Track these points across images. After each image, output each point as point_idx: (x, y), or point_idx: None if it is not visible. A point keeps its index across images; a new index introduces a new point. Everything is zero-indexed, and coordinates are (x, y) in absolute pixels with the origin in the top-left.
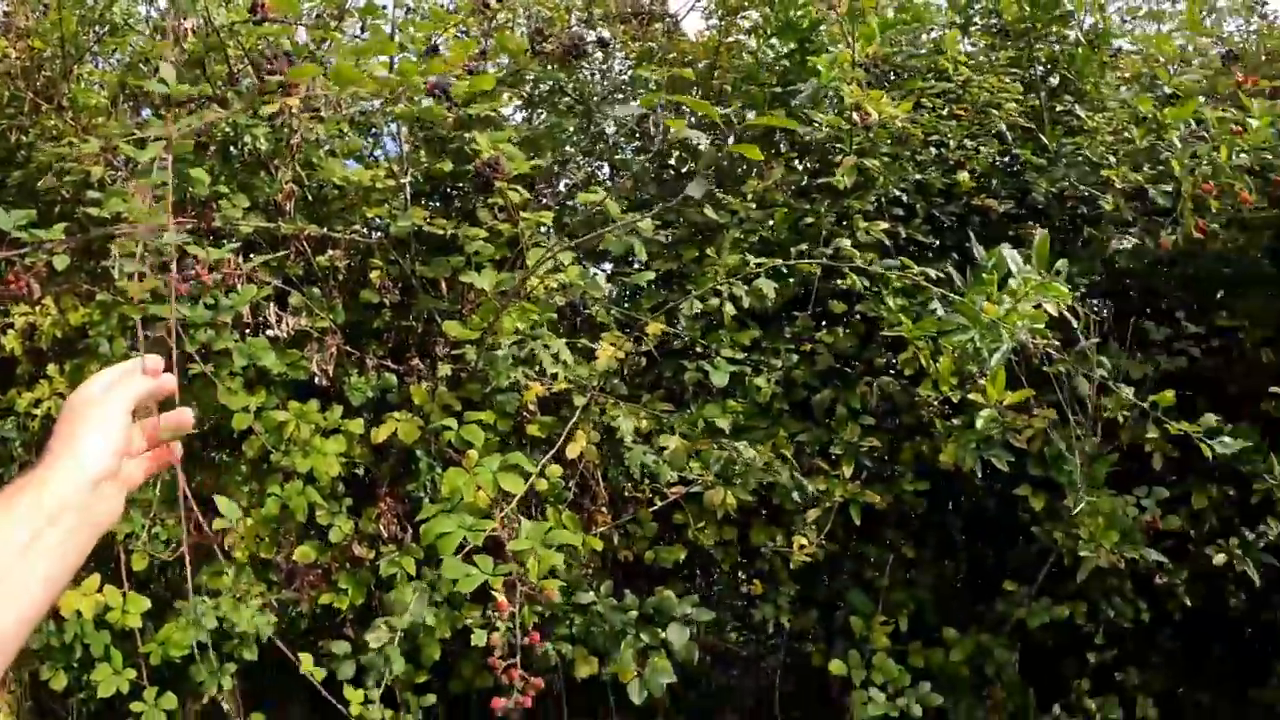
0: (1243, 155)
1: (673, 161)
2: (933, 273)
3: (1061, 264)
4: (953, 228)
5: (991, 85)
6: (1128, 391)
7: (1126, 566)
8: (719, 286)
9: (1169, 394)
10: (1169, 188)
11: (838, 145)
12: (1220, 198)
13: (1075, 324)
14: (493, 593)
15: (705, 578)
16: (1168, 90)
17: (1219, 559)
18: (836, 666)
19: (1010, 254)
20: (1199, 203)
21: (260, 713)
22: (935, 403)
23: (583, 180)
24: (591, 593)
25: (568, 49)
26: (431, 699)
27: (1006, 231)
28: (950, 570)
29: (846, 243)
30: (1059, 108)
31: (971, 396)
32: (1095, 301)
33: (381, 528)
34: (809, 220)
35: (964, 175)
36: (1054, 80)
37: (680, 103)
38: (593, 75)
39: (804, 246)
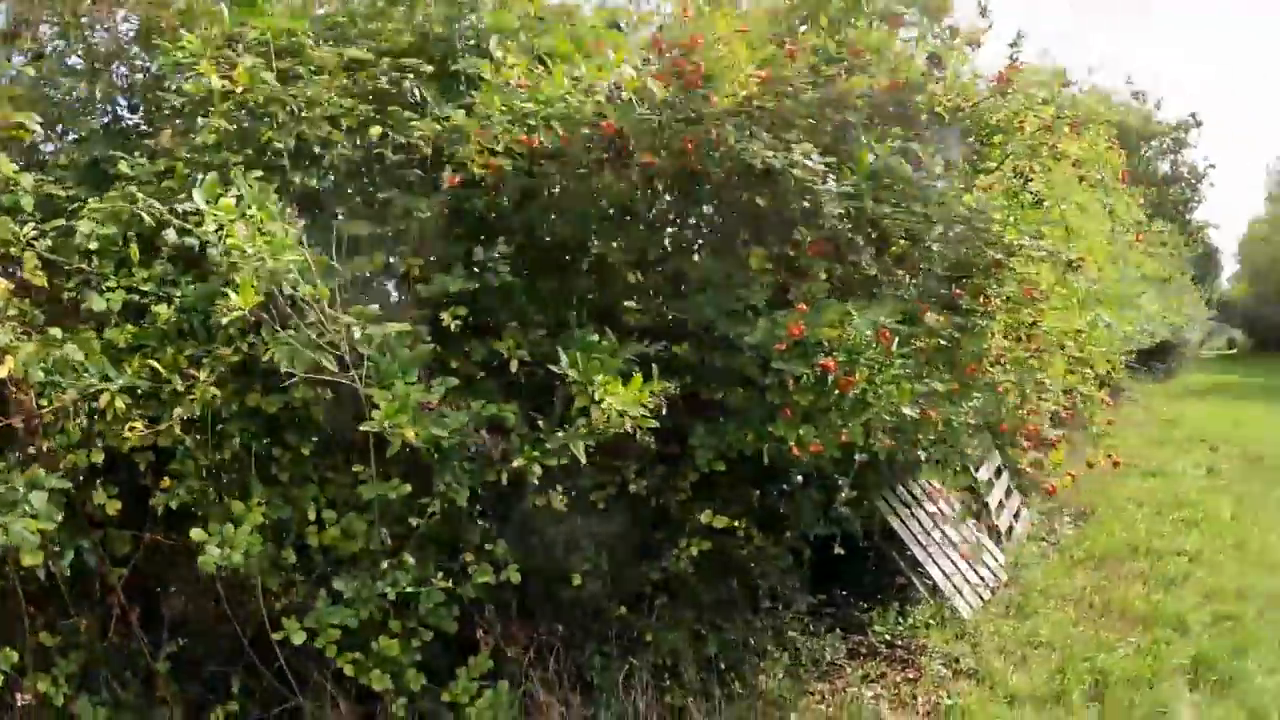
0: (529, 104)
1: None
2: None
3: (256, 195)
4: (355, 172)
5: (344, 58)
6: (345, 316)
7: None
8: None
9: (324, 290)
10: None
11: (211, 109)
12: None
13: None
14: None
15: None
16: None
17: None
18: (198, 534)
19: (195, 191)
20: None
21: None
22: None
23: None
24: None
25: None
26: None
27: (405, 174)
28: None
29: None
30: (469, 70)
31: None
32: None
33: None
34: (185, 171)
35: (376, 129)
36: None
37: None
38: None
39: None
